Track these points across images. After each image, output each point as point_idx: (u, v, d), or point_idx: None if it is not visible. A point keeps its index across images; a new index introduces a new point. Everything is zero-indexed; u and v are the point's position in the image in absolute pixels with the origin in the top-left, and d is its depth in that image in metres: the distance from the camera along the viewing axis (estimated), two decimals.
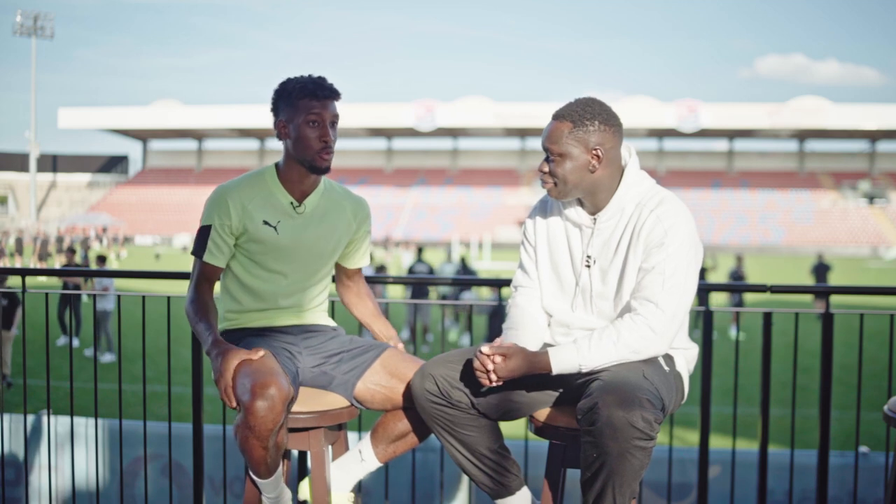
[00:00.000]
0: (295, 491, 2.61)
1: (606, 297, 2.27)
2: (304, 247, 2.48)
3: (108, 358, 12.00)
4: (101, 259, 12.78)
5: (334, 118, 2.41)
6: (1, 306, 8.70)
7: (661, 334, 2.14)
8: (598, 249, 2.28)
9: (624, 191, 2.25)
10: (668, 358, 2.25)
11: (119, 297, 3.59)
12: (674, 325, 2.16)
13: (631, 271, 2.21)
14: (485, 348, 2.16)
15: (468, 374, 2.27)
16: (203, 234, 2.43)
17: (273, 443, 2.16)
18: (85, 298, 17.89)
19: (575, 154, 2.21)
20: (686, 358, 2.32)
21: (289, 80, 2.42)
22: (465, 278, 3.87)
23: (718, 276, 21.25)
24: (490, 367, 2.14)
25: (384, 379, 2.47)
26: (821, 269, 18.89)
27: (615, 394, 1.98)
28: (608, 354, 2.12)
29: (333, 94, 2.40)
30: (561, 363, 2.15)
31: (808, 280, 19.84)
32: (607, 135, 2.22)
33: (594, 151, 2.21)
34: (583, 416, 2.02)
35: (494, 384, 2.16)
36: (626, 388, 1.99)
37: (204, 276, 2.45)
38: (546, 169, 2.26)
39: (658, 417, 2.00)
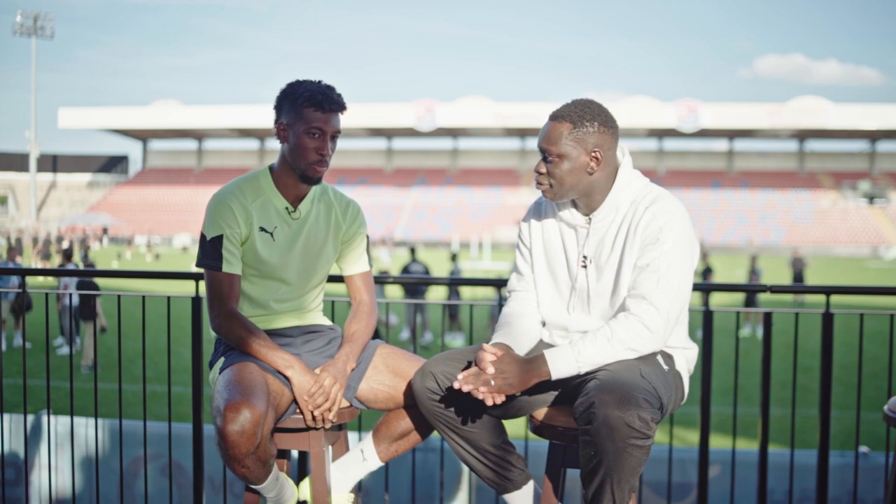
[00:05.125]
0: None
1: (603, 296, 2.26)
2: (300, 253, 2.46)
3: (64, 349, 12.08)
4: None
5: (336, 132, 2.38)
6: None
7: (655, 331, 2.13)
8: (594, 249, 2.27)
9: (618, 190, 2.24)
10: (668, 357, 2.25)
11: (119, 297, 3.59)
12: (668, 322, 2.15)
13: (627, 268, 2.20)
14: (470, 378, 2.11)
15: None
16: (216, 245, 2.35)
17: (253, 461, 2.12)
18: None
19: (573, 155, 2.19)
20: (686, 358, 2.31)
21: (298, 84, 2.37)
22: (465, 279, 3.86)
23: (733, 277, 21.33)
24: (484, 390, 2.09)
25: (387, 378, 2.46)
26: (797, 264, 19.58)
27: (612, 393, 1.97)
28: (604, 353, 2.12)
29: (339, 108, 2.36)
30: (559, 368, 2.13)
31: (789, 273, 20.39)
32: (606, 137, 2.21)
33: (593, 154, 2.20)
34: (580, 415, 2.02)
35: (498, 402, 2.13)
36: (623, 387, 1.99)
37: (229, 289, 2.36)
38: (543, 169, 2.24)
39: (655, 416, 1.99)
